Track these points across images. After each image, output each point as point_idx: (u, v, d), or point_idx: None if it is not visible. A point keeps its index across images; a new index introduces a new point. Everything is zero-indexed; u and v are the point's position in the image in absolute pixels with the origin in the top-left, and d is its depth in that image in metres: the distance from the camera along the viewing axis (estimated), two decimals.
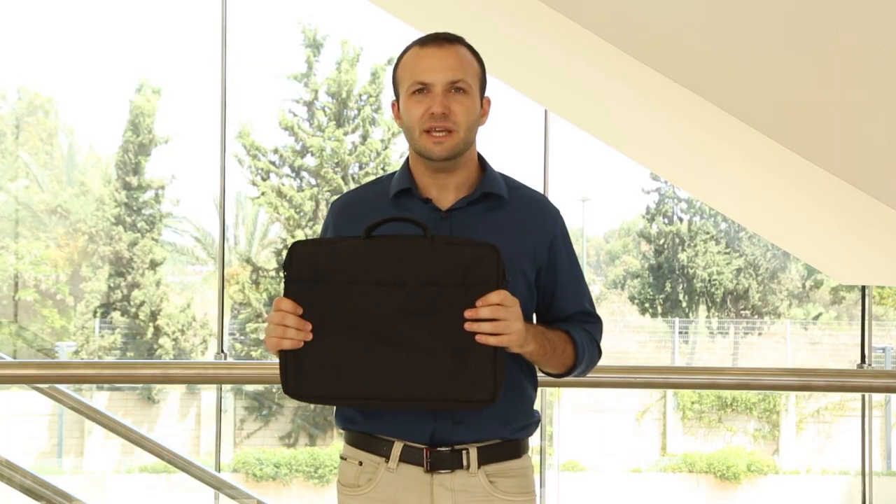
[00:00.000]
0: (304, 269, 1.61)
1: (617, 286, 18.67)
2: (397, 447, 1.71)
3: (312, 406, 15.08)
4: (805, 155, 2.65)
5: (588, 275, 18.51)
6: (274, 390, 14.98)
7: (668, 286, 17.86)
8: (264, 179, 16.28)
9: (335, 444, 15.07)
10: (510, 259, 1.64)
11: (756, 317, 17.76)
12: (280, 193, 16.18)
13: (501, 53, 3.28)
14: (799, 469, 15.09)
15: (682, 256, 17.74)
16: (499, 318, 1.57)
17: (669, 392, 15.17)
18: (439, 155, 1.70)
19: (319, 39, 16.50)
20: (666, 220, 18.03)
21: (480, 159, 1.80)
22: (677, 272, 17.79)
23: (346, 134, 16.29)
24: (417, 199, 1.75)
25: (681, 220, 18.00)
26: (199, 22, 18.34)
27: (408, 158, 1.79)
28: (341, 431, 1.80)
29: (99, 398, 14.98)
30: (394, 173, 1.80)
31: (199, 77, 17.24)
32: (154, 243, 16.18)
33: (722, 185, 3.78)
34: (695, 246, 17.72)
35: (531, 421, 1.78)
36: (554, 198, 2.04)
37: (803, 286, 17.87)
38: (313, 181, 16.33)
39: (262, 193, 16.26)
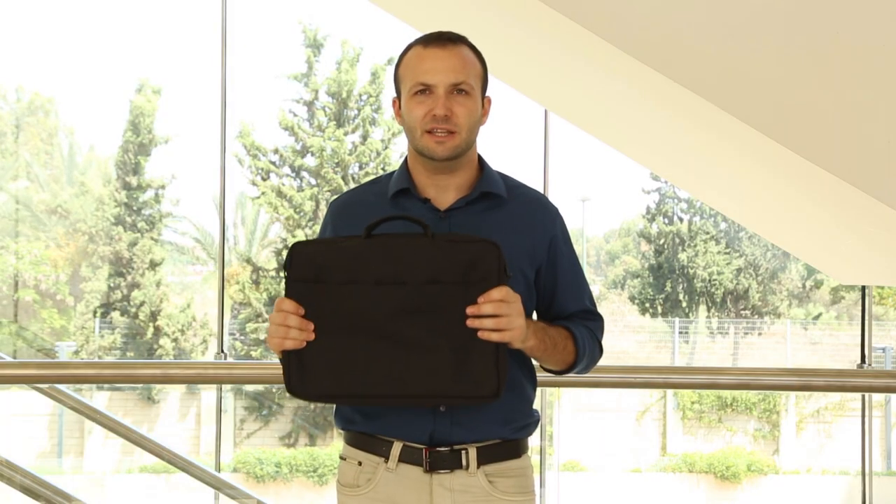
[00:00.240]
0: (304, 269, 1.61)
1: (617, 286, 18.67)
2: (397, 447, 1.71)
3: (312, 406, 15.09)
4: (805, 155, 2.65)
5: (588, 275, 18.42)
6: (274, 390, 14.99)
7: (668, 286, 17.86)
8: (264, 179, 16.28)
9: (335, 444, 15.08)
10: (509, 258, 1.64)
11: (756, 317, 17.76)
12: (280, 193, 16.18)
13: (501, 53, 3.28)
14: (799, 469, 15.09)
15: (682, 256, 17.75)
16: (501, 314, 1.57)
17: (669, 392, 15.18)
18: (441, 155, 1.70)
19: (320, 39, 16.50)
20: (666, 220, 18.03)
21: (479, 159, 1.80)
22: (677, 272, 17.79)
23: (346, 134, 16.29)
24: (416, 199, 1.75)
25: (681, 220, 18.01)
26: (199, 22, 18.35)
27: (406, 158, 1.79)
28: (341, 431, 1.80)
29: (99, 398, 14.98)
30: (392, 173, 1.80)
31: (199, 77, 17.25)
32: (154, 243, 16.18)
33: (722, 185, 3.78)
34: (695, 246, 17.72)
35: (530, 421, 1.78)
36: (554, 198, 2.04)
37: (803, 286, 17.87)
38: (313, 181, 16.34)
39: (262, 193, 16.26)
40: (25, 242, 16.49)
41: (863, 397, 4.40)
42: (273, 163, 16.30)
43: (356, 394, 1.62)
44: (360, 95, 16.43)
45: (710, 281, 17.61)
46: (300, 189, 16.30)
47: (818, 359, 17.14)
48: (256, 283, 16.06)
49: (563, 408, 15.20)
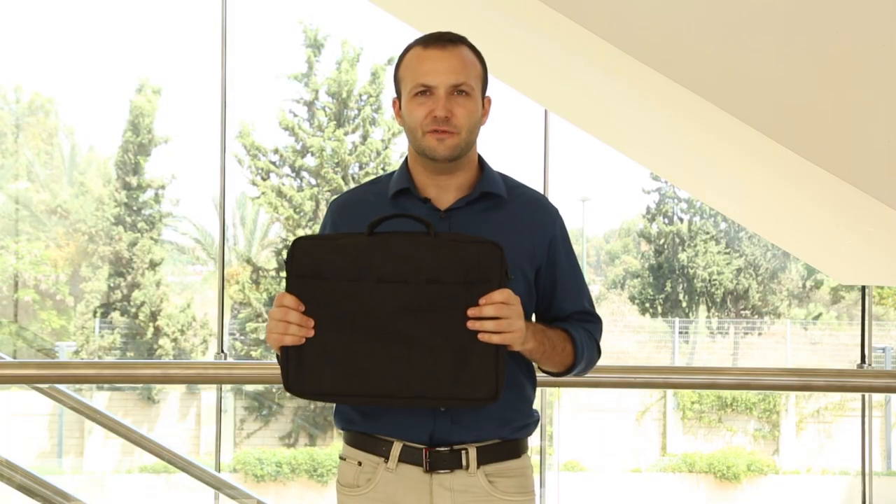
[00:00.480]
0: (305, 264, 1.60)
1: (617, 286, 18.67)
2: (396, 447, 1.71)
3: (312, 406, 15.09)
4: (805, 155, 2.65)
5: (588, 275, 18.52)
6: (274, 390, 14.99)
7: (668, 286, 17.86)
8: (264, 179, 16.29)
9: (335, 444, 15.08)
10: (510, 258, 1.64)
11: (756, 317, 17.77)
12: (280, 193, 16.18)
13: (501, 53, 3.28)
14: (799, 469, 15.09)
15: (682, 256, 17.75)
16: (502, 317, 1.57)
17: (669, 392, 15.18)
18: (442, 155, 1.70)
19: (320, 39, 16.50)
20: (666, 220, 18.03)
21: (479, 159, 1.80)
22: (677, 272, 17.80)
23: (346, 134, 16.29)
24: (416, 199, 1.75)
25: (681, 220, 18.01)
26: (199, 22, 18.35)
27: (406, 158, 1.79)
28: (341, 431, 1.80)
29: (99, 398, 14.99)
30: (393, 173, 1.80)
31: (199, 77, 17.26)
32: (154, 243, 16.18)
33: (722, 185, 3.78)
34: (695, 246, 17.73)
35: (530, 421, 1.78)
36: (554, 198, 2.04)
37: (803, 286, 17.87)
38: (313, 181, 16.34)
39: (262, 193, 16.26)
40: (25, 242, 16.49)
41: (863, 397, 4.40)
42: (273, 163, 16.31)
43: (354, 393, 1.61)
44: (361, 95, 16.43)
45: (710, 281, 17.61)
46: (300, 189, 16.30)
47: (818, 359, 17.15)
48: (256, 283, 16.06)
49: (563, 408, 15.20)
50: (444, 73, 1.68)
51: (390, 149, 16.35)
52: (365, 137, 16.36)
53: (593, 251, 19.79)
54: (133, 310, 15.80)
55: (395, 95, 1.78)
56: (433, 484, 1.70)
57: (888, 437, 15.00)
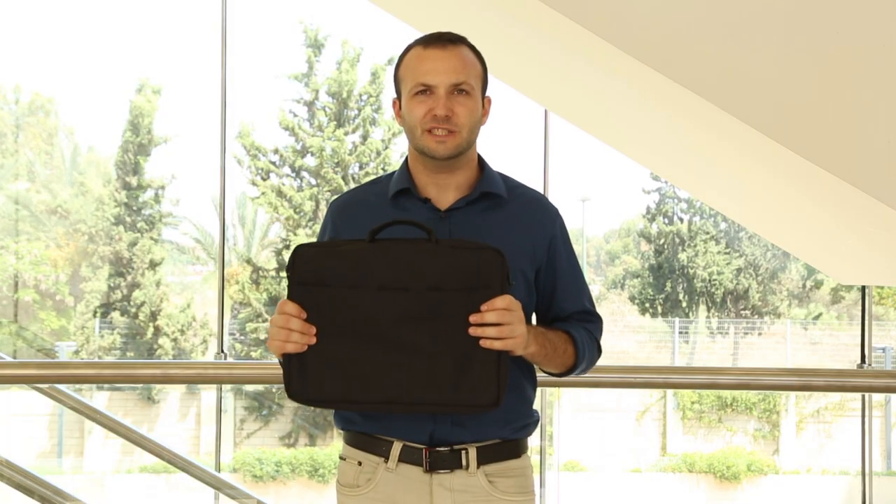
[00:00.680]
0: (307, 272, 1.61)
1: (617, 286, 18.68)
2: (396, 447, 1.71)
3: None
4: (805, 155, 2.65)
5: (588, 275, 18.51)
6: (274, 390, 14.99)
7: (668, 286, 17.86)
8: (264, 179, 16.29)
9: (335, 444, 15.08)
10: (510, 259, 1.64)
11: (756, 317, 17.77)
12: (280, 193, 16.19)
13: (501, 53, 3.27)
14: (799, 469, 15.09)
15: (682, 256, 17.75)
16: (504, 323, 1.57)
17: (669, 392, 15.18)
18: (442, 154, 1.70)
19: (320, 39, 16.50)
20: (666, 220, 18.03)
21: (479, 159, 1.80)
22: (677, 272, 17.80)
23: (346, 134, 16.29)
24: (416, 199, 1.75)
25: (681, 220, 18.01)
26: (199, 22, 18.35)
27: (407, 158, 1.79)
28: (341, 431, 1.80)
29: (99, 398, 14.99)
30: (393, 173, 1.80)
31: (199, 77, 17.26)
32: (154, 243, 16.18)
33: (722, 185, 3.78)
34: (695, 246, 17.73)
35: (530, 421, 1.78)
36: (554, 198, 2.04)
37: (803, 286, 17.87)
38: (313, 181, 16.34)
39: (262, 193, 16.26)
40: (25, 242, 16.49)
41: (863, 397, 4.40)
42: (273, 163, 16.31)
43: (355, 399, 1.61)
44: (361, 95, 16.44)
45: (710, 281, 17.62)
46: (300, 189, 16.30)
47: (818, 359, 17.15)
48: (256, 283, 16.06)
49: (563, 408, 15.20)
50: (445, 72, 1.69)
51: (390, 149, 16.35)
52: (365, 137, 16.36)
53: (593, 251, 19.80)
54: (133, 310, 15.80)
55: (395, 96, 1.78)
56: (433, 484, 1.71)
57: (888, 437, 15.00)
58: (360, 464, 1.74)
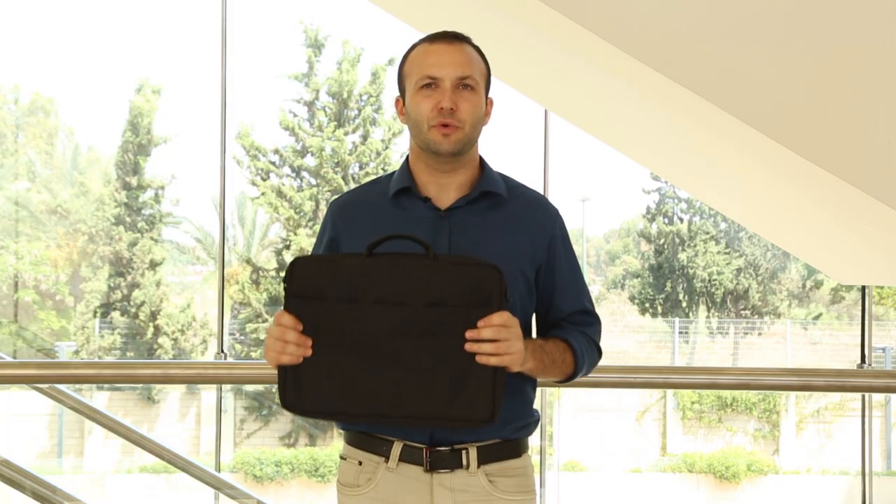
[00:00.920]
0: (304, 285, 1.61)
1: (617, 286, 18.68)
2: (397, 447, 1.71)
3: None
4: (805, 155, 2.65)
5: (588, 275, 18.52)
6: (274, 390, 14.92)
7: (668, 286, 17.86)
8: (264, 179, 16.29)
9: (335, 444, 15.08)
10: (509, 259, 1.64)
11: (756, 317, 17.77)
12: (280, 193, 16.18)
13: (501, 53, 3.27)
14: (799, 469, 15.09)
15: (682, 256, 17.75)
16: (500, 339, 1.57)
17: (669, 392, 15.18)
18: (447, 149, 1.70)
19: (321, 39, 16.50)
20: (666, 220, 18.03)
21: (480, 159, 1.80)
22: (677, 272, 17.80)
23: (346, 134, 16.29)
24: (416, 198, 1.75)
25: (681, 220, 18.01)
26: (199, 22, 18.36)
27: (407, 157, 1.79)
28: (341, 431, 1.80)
29: (99, 398, 14.99)
30: (393, 173, 1.80)
31: (199, 77, 17.26)
32: (154, 243, 16.18)
33: (722, 185, 3.78)
34: (695, 246, 17.73)
35: (530, 420, 1.78)
36: (554, 198, 2.04)
37: (803, 286, 17.87)
38: (313, 181, 16.34)
39: (262, 193, 16.26)
40: (25, 242, 16.49)
41: (863, 397, 4.40)
42: (273, 163, 16.31)
43: (350, 412, 1.62)
44: (361, 95, 16.43)
45: (710, 281, 17.62)
46: (300, 189, 16.30)
47: (818, 359, 17.15)
48: (256, 283, 16.06)
49: (563, 408, 15.20)
50: (451, 65, 1.70)
51: (390, 149, 16.35)
52: (365, 137, 16.36)
53: (593, 251, 19.80)
54: (133, 310, 15.80)
55: (398, 94, 1.78)
56: (433, 483, 1.71)
57: (888, 437, 15.00)
58: (360, 463, 1.74)
